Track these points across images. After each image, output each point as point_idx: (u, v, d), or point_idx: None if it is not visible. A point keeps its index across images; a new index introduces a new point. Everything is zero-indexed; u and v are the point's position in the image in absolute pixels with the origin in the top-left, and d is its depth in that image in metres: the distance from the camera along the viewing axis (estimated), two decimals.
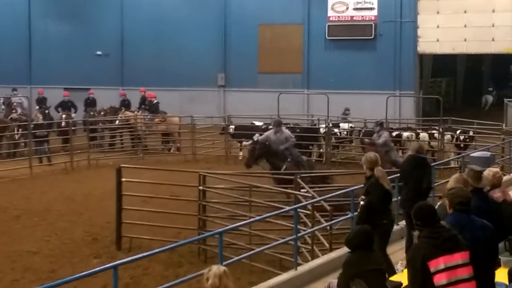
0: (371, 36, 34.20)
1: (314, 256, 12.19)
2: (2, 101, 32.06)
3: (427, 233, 6.86)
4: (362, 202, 10.48)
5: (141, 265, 12.91)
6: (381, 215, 10.48)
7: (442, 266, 6.72)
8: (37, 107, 30.83)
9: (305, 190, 13.96)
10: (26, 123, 26.59)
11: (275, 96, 28.71)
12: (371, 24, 34.13)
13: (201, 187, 14.53)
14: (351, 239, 8.12)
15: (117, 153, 27.56)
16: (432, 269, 6.71)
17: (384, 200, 10.61)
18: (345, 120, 29.14)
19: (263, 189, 15.03)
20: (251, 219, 12.43)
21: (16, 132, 27.14)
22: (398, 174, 12.62)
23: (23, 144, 26.58)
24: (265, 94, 33.89)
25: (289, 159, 18.83)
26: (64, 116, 28.62)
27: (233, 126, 27.81)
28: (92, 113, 30.46)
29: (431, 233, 6.85)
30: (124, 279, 9.38)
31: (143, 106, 30.73)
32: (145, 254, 9.91)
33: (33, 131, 25.56)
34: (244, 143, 26.27)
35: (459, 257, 6.81)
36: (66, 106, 30.59)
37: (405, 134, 25.75)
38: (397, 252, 11.81)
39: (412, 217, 7.07)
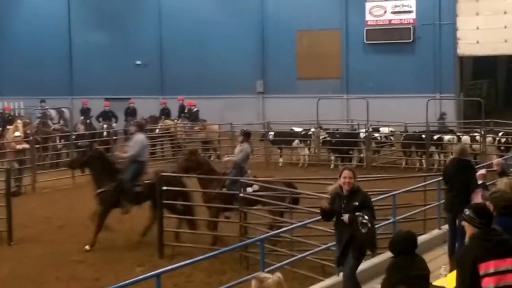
0: (410, 39, 34.01)
1: None
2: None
3: (481, 235, 6.77)
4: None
5: (184, 273, 12.95)
6: None
7: (491, 270, 6.62)
8: (81, 117, 31.21)
9: None
10: (68, 133, 26.93)
11: (314, 102, 28.65)
12: (410, 27, 33.93)
13: (241, 194, 14.55)
14: (395, 243, 7.97)
15: (157, 161, 27.70)
16: (481, 272, 6.62)
17: None
18: (441, 125, 28.67)
19: (304, 195, 14.99)
20: (293, 225, 12.42)
21: (58, 142, 27.47)
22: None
23: (65, 154, 26.87)
24: (304, 100, 33.85)
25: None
26: (105, 126, 28.92)
27: (272, 133, 27.82)
28: (132, 122, 30.70)
29: (484, 235, 6.75)
30: (167, 287, 9.43)
31: (182, 114, 30.90)
32: (187, 261, 9.96)
33: (75, 141, 25.86)
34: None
35: (510, 263, 6.70)
36: (107, 116, 30.90)
37: (447, 137, 25.53)
38: (440, 257, 11.70)
39: (474, 216, 6.89)
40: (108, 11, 40.20)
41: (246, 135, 16.43)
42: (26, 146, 22.97)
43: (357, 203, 9.53)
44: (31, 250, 15.36)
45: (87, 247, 15.29)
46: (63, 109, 33.09)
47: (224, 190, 15.41)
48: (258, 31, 37.36)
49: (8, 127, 26.17)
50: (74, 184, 23.66)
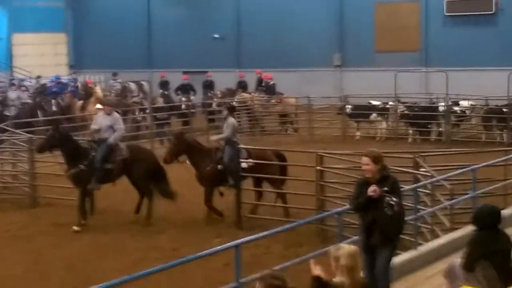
0: (492, 11, 33.22)
1: (434, 236, 12.03)
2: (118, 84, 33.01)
3: None
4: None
5: (261, 245, 13.07)
6: None
7: None
8: (160, 90, 31.63)
9: (424, 169, 13.76)
10: (147, 106, 27.35)
11: (392, 75, 28.37)
12: None
13: (318, 167, 14.55)
14: (480, 217, 7.75)
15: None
16: None
17: None
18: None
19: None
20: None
21: (137, 115, 27.92)
22: None
23: (144, 127, 27.29)
24: (382, 73, 33.49)
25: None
26: (183, 99, 29.24)
27: (350, 106, 27.66)
28: (210, 95, 30.98)
29: None
30: (245, 258, 9.53)
31: (259, 87, 30.99)
32: (265, 233, 10.04)
33: (154, 114, 26.25)
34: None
35: None
36: (185, 89, 31.22)
37: None
38: None
39: None
40: None
41: (231, 109, 16.29)
42: None
43: (386, 189, 8.83)
44: (112, 220, 15.69)
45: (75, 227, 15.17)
46: (142, 82, 33.59)
47: (219, 167, 15.40)
48: (336, 4, 37.07)
49: (89, 100, 26.78)
50: None
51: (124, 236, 14.60)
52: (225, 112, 16.32)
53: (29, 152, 17.79)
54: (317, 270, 6.58)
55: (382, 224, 8.88)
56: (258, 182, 15.80)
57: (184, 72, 34.27)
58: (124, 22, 41.38)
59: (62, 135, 15.91)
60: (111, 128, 15.78)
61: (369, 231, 9.04)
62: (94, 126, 16.18)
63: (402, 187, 9.80)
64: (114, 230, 14.90)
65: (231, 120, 15.68)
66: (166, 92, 30.79)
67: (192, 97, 30.36)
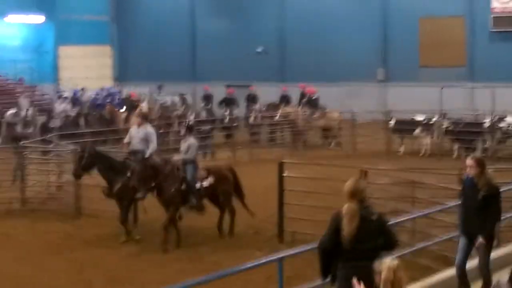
0: None
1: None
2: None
3: None
4: None
5: (304, 259, 12.94)
6: None
7: None
8: (203, 103, 31.76)
9: None
10: (190, 119, 27.42)
11: (436, 90, 28.18)
12: None
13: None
14: None
15: (277, 148, 27.87)
16: None
17: None
18: None
19: (426, 185, 14.72)
20: (414, 215, 12.23)
21: (179, 128, 28.02)
22: None
23: None
24: (426, 88, 33.24)
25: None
26: (226, 112, 29.32)
27: (394, 121, 27.45)
28: (252, 109, 31.01)
29: None
30: (287, 271, 9.48)
31: (303, 101, 30.93)
32: (309, 247, 9.96)
33: (196, 127, 26.31)
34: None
35: None
36: (228, 102, 31.30)
37: None
38: None
39: None
40: None
41: (189, 129, 15.93)
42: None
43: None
44: (155, 229, 15.70)
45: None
46: (185, 95, 33.78)
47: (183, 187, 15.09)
48: (380, 19, 36.95)
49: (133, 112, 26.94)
50: None
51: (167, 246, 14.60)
52: (182, 131, 16.43)
53: (73, 164, 17.91)
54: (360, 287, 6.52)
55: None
56: (215, 199, 15.79)
57: (227, 86, 34.36)
58: (168, 35, 41.72)
59: (92, 154, 15.76)
60: (144, 140, 15.74)
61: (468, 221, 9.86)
62: (126, 139, 16.20)
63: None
64: (156, 242, 14.89)
65: (192, 140, 15.52)
66: (209, 106, 30.90)
67: (235, 111, 30.42)
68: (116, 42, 45.22)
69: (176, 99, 33.66)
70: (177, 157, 15.50)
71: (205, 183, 15.22)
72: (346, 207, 7.88)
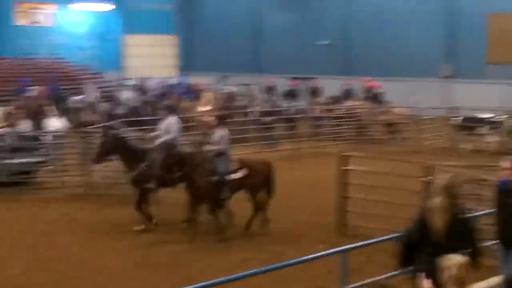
0: None
1: None
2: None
3: None
4: None
5: (364, 253, 12.91)
6: None
7: None
8: (266, 95, 31.85)
9: None
10: (253, 109, 27.53)
11: (503, 88, 27.68)
12: None
13: (424, 179, 14.27)
14: None
15: (340, 142, 27.75)
16: None
17: None
18: None
19: (491, 183, 14.49)
20: (481, 213, 12.06)
21: (243, 118, 28.15)
22: None
23: (250, 130, 27.48)
24: (493, 85, 32.70)
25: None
26: (290, 104, 29.33)
27: (459, 118, 27.10)
28: (316, 101, 30.97)
29: None
30: (347, 265, 9.48)
31: (366, 96, 30.76)
32: (371, 241, 9.93)
33: (260, 118, 26.42)
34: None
35: None
36: (291, 94, 31.32)
37: None
38: None
39: None
40: None
41: (221, 119, 15.46)
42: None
43: None
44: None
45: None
46: (249, 86, 33.89)
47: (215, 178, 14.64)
48: (447, 14, 36.48)
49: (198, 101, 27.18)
50: None
51: (231, 236, 14.68)
52: (215, 122, 15.75)
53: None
54: (427, 284, 6.47)
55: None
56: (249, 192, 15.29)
57: (292, 78, 34.36)
58: (233, 26, 41.87)
59: (113, 139, 15.76)
60: (168, 132, 15.69)
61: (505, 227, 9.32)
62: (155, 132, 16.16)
63: None
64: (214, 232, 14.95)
65: (223, 131, 15.04)
66: (272, 97, 30.93)
67: (297, 103, 30.41)
68: (181, 32, 45.56)
69: (240, 89, 33.80)
70: (208, 148, 15.20)
71: (238, 175, 14.79)
72: (437, 202, 7.78)
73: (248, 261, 12.69)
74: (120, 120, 23.70)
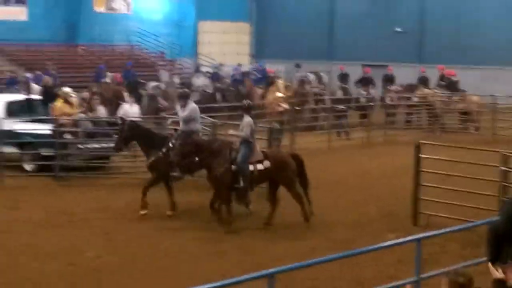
0: None
1: None
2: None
3: None
4: None
5: (437, 243, 12.74)
6: None
7: None
8: (339, 82, 31.67)
9: None
10: (326, 97, 27.44)
11: None
12: None
13: (502, 168, 13.99)
14: None
15: (413, 130, 27.44)
16: None
17: None
18: None
19: None
20: None
21: (315, 105, 28.12)
22: None
23: (323, 117, 27.42)
24: None
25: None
26: (363, 92, 29.10)
27: None
28: (389, 89, 30.62)
29: None
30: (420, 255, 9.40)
31: (441, 83, 30.29)
32: (444, 230, 9.79)
33: (332, 106, 26.32)
34: None
35: None
36: (365, 82, 31.04)
37: None
38: None
39: None
40: None
41: (246, 109, 14.91)
42: (286, 107, 23.68)
43: None
44: (286, 207, 15.83)
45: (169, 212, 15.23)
46: (321, 74, 33.73)
47: (233, 167, 14.30)
48: None
49: (270, 88, 27.18)
50: (329, 147, 24.13)
51: (298, 223, 14.66)
52: (240, 111, 15.25)
53: (211, 137, 18.23)
54: (499, 274, 6.32)
55: None
56: (274, 186, 14.87)
57: (365, 65, 34.06)
58: (306, 13, 41.72)
59: (131, 127, 15.84)
60: (190, 119, 15.57)
61: None
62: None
63: None
64: (291, 217, 14.95)
65: (248, 119, 14.59)
66: (345, 85, 30.74)
67: (371, 91, 30.14)
68: (254, 19, 45.62)
69: (312, 76, 33.66)
70: (232, 131, 15.02)
71: (259, 166, 14.39)
72: None
73: (316, 250, 12.65)
74: None
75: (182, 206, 15.70)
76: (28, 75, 30.67)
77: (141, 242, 13.41)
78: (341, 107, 26.77)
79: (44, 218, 14.99)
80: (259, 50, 44.19)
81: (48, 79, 26.05)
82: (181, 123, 15.80)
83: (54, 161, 18.44)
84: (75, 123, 19.51)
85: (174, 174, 15.45)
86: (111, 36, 40.36)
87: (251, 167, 14.30)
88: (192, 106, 15.84)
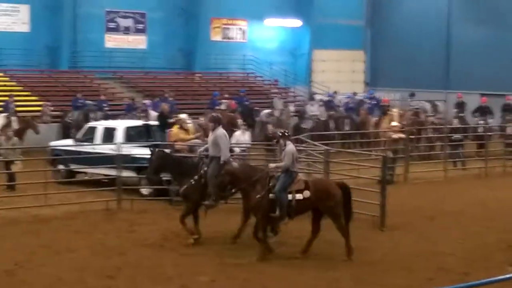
0: None
1: None
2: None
3: None
4: None
5: None
6: None
7: None
8: (455, 111, 31.09)
9: None
10: (443, 126, 26.96)
11: None
12: None
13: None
14: None
15: None
16: None
17: None
18: None
19: None
20: None
21: (432, 135, 27.70)
22: None
23: (439, 147, 26.95)
24: None
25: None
26: (480, 121, 28.47)
27: None
28: (508, 119, 29.83)
29: None
30: None
31: None
32: None
33: (448, 135, 25.84)
34: None
35: None
36: (483, 111, 30.34)
37: None
38: None
39: None
40: (488, 7, 39.52)
41: (285, 136, 14.42)
42: (402, 136, 23.38)
43: None
44: (401, 238, 15.60)
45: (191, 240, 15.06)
46: (437, 103, 33.22)
47: (271, 196, 13.84)
48: None
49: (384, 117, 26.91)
50: (445, 178, 23.67)
51: (413, 255, 14.38)
52: (280, 140, 14.63)
53: (324, 164, 18.20)
54: None
55: None
56: (317, 216, 14.25)
57: (482, 94, 33.32)
58: (422, 41, 41.30)
59: (159, 156, 15.77)
60: (215, 145, 15.39)
61: None
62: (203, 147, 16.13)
63: None
64: (404, 248, 14.68)
65: (290, 147, 14.18)
66: (462, 114, 30.13)
67: (489, 120, 29.41)
68: (369, 47, 45.47)
69: (427, 105, 33.21)
70: (273, 165, 14.65)
71: (299, 196, 13.98)
72: None
73: (432, 281, 12.36)
74: (307, 134, 23.92)
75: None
76: (146, 101, 31.52)
77: (253, 267, 13.41)
78: (458, 136, 26.20)
79: (157, 242, 15.23)
80: (374, 78, 44.01)
81: (165, 106, 26.66)
82: (209, 148, 15.77)
83: (169, 185, 18.76)
84: (191, 149, 19.83)
85: (206, 203, 15.43)
86: (226, 64, 41.07)
87: (289, 197, 14.01)
88: (220, 131, 15.64)
